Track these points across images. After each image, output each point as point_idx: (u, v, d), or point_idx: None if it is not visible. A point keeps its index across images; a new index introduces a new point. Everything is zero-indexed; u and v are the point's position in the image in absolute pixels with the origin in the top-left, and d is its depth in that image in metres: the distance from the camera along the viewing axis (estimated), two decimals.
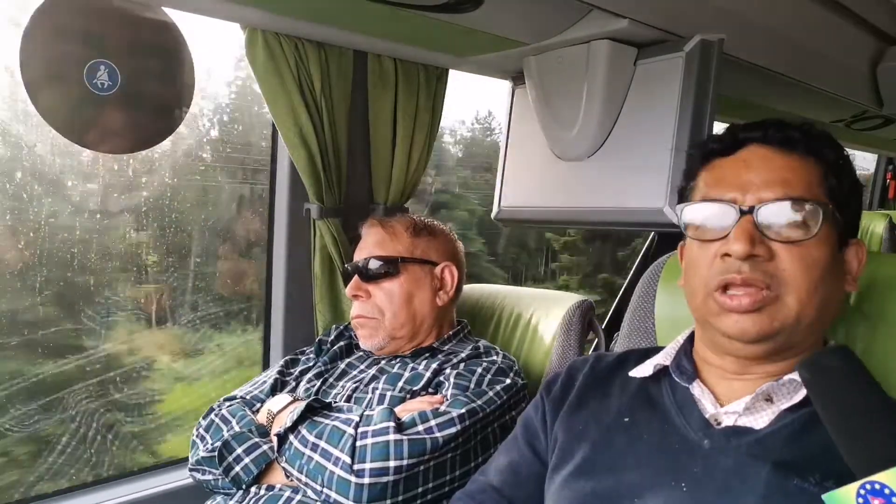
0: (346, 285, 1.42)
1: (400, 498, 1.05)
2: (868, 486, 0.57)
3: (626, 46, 1.53)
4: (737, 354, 0.80)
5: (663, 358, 0.88)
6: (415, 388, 1.22)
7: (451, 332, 1.40)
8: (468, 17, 1.38)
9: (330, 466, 1.06)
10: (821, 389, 0.69)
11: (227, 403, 1.30)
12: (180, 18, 1.40)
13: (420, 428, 1.08)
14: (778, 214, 0.76)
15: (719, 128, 0.96)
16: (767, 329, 0.76)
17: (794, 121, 0.83)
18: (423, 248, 1.40)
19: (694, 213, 0.82)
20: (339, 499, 1.04)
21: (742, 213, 0.77)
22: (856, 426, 0.65)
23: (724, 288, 0.77)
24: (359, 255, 1.40)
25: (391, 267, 1.36)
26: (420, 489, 1.07)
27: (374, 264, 1.36)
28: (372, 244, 1.39)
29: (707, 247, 0.80)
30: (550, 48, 1.60)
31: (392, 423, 1.07)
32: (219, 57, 1.64)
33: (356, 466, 1.04)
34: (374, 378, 1.29)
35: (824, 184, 0.79)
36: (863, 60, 2.10)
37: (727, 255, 0.76)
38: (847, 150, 0.86)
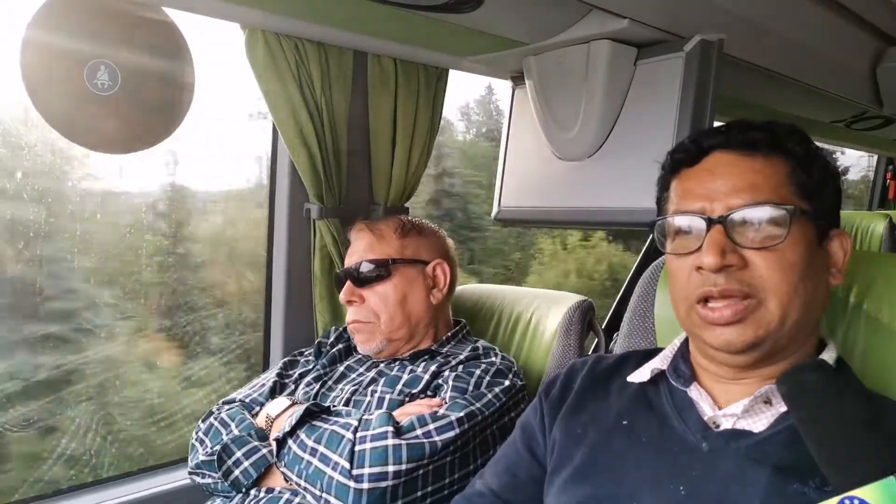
0: (339, 292, 1.41)
1: (399, 502, 1.05)
2: (847, 502, 0.57)
3: (626, 46, 1.53)
4: (727, 364, 0.80)
5: (660, 362, 0.88)
6: (413, 391, 1.22)
7: (449, 334, 1.40)
8: (468, 17, 1.38)
9: (329, 471, 1.05)
10: (797, 404, 0.70)
11: (227, 407, 1.30)
12: (180, 18, 1.40)
13: (419, 432, 1.08)
14: (747, 221, 0.76)
15: None
16: (752, 339, 0.75)
17: (758, 120, 0.82)
18: (413, 248, 1.40)
19: (666, 228, 0.82)
20: None
21: (711, 223, 0.76)
22: (833, 441, 0.66)
23: (705, 300, 0.77)
24: (350, 261, 1.40)
25: (382, 269, 1.35)
26: (419, 493, 1.07)
27: (365, 268, 1.36)
28: (362, 249, 1.39)
29: (683, 259, 0.80)
30: (550, 48, 1.60)
31: (390, 428, 1.07)
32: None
33: (355, 471, 1.04)
34: (373, 381, 1.29)
35: (793, 181, 0.78)
36: (863, 60, 2.09)
37: (701, 267, 0.76)
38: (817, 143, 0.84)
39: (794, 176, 0.79)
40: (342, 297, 1.38)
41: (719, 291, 0.75)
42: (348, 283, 1.37)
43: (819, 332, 0.84)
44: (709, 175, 0.80)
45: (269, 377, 1.38)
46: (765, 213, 0.75)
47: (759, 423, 0.77)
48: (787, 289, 0.75)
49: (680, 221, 0.81)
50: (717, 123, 1.48)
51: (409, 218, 1.48)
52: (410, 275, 1.37)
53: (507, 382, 1.22)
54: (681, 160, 0.85)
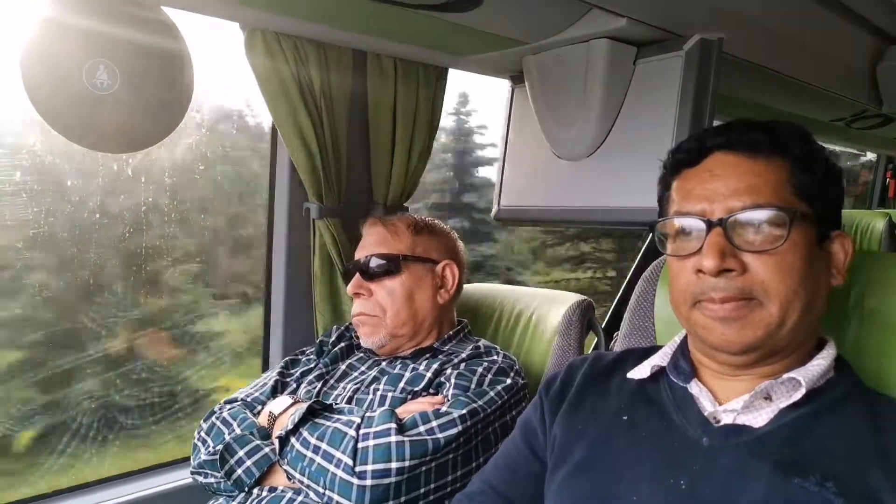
0: (346, 284, 1.42)
1: (402, 499, 1.05)
2: None
3: (626, 45, 1.53)
4: (726, 363, 0.80)
5: (660, 359, 0.89)
6: (416, 389, 1.22)
7: (451, 332, 1.40)
8: (468, 17, 1.38)
9: (332, 469, 1.05)
10: None
11: (228, 406, 1.30)
12: (180, 18, 1.40)
13: (421, 429, 1.08)
14: (746, 224, 0.76)
15: None
16: (752, 340, 0.76)
17: (760, 121, 0.82)
18: (424, 247, 1.40)
19: (666, 229, 0.82)
20: (342, 501, 1.04)
21: (710, 225, 0.76)
22: None
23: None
24: (360, 254, 1.40)
25: (392, 265, 1.36)
26: (422, 490, 1.07)
27: (375, 262, 1.36)
28: (373, 243, 1.39)
29: (684, 261, 0.80)
30: (550, 47, 1.60)
31: (393, 425, 1.07)
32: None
33: (358, 468, 1.04)
34: (375, 379, 1.29)
35: (793, 182, 0.78)
36: (863, 59, 2.09)
37: (701, 270, 0.76)
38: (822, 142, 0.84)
39: (794, 177, 0.78)
40: (350, 289, 1.38)
41: (720, 299, 0.75)
42: (357, 275, 1.37)
43: (819, 331, 0.84)
44: (709, 176, 0.80)
45: (270, 376, 1.38)
46: (764, 215, 0.75)
47: (759, 418, 0.77)
48: (787, 291, 0.75)
49: (680, 223, 0.80)
50: (716, 122, 1.48)
51: (424, 217, 1.48)
52: (419, 273, 1.38)
53: (508, 380, 1.22)
54: (682, 160, 0.84)
